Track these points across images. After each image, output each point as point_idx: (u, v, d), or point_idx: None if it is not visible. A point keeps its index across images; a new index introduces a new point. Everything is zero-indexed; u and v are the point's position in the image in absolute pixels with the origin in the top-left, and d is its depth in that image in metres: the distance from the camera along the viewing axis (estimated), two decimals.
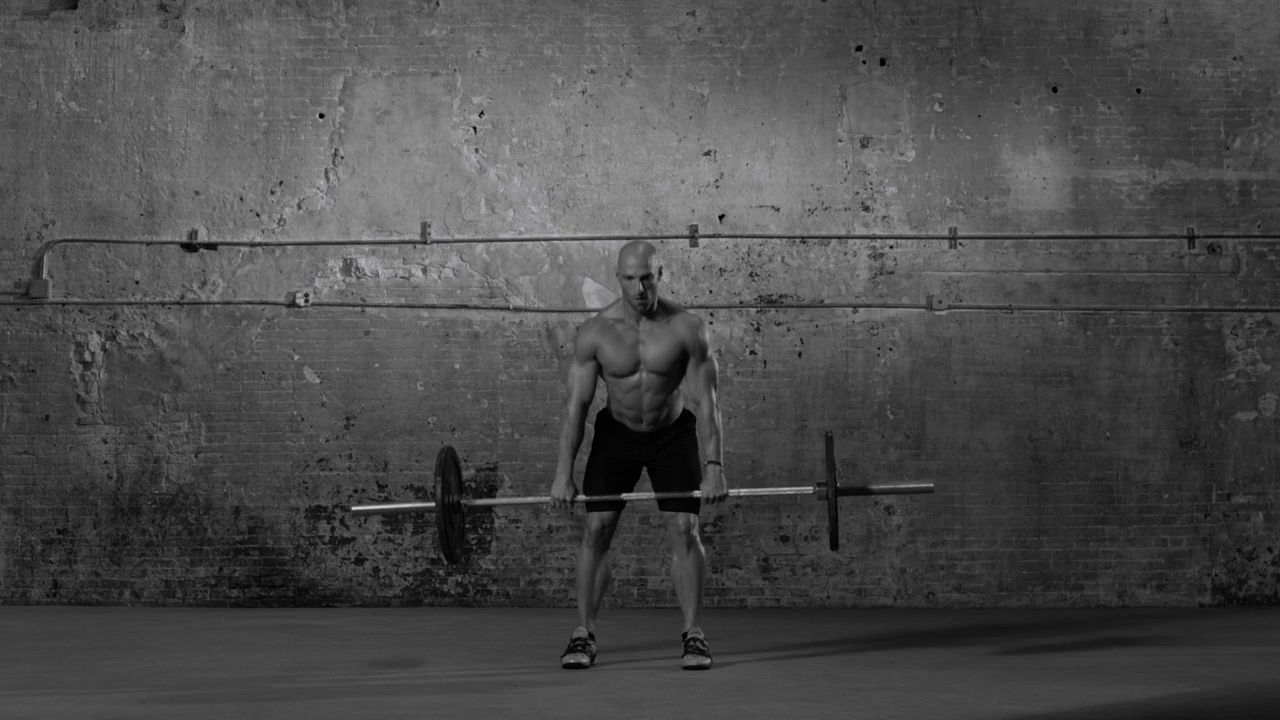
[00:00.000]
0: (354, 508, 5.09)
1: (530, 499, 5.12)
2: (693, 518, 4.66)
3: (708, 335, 4.65)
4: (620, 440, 4.72)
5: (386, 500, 6.97)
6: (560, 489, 4.63)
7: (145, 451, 7.03)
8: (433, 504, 4.62)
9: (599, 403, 4.81)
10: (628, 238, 7.09)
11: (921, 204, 7.17)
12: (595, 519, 4.67)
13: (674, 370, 4.63)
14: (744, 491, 4.99)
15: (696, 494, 4.60)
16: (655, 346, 4.60)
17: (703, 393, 4.61)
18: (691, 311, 4.82)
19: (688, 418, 4.73)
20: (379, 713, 3.59)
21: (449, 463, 4.70)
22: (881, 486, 5.05)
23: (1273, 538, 7.05)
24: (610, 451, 4.73)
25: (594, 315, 4.96)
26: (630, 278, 4.56)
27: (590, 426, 4.78)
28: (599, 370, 4.68)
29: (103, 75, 7.19)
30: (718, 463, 4.57)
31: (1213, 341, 7.13)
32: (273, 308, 7.10)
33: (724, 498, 4.59)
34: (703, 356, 4.62)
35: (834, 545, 4.65)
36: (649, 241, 5.03)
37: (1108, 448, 7.08)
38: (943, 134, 7.19)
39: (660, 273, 4.61)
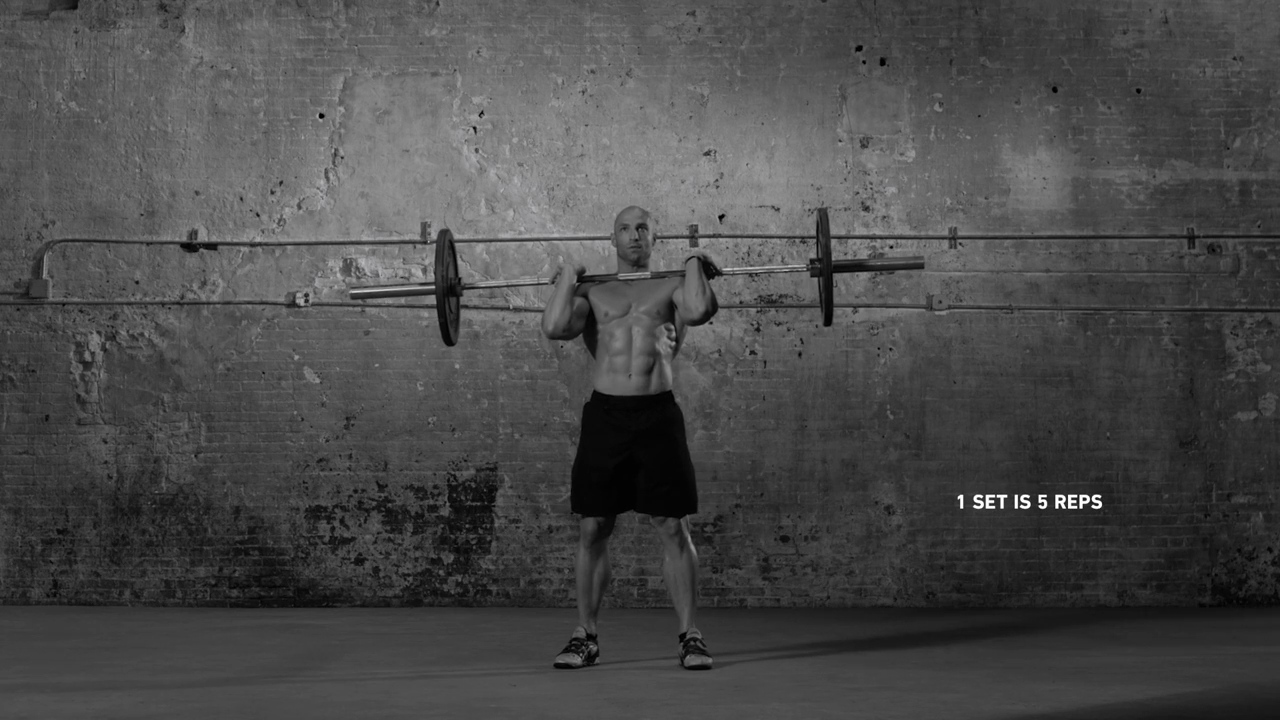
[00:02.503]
0: (353, 291, 5.34)
1: (529, 281, 5.31)
2: (684, 520, 4.66)
3: None
4: (608, 430, 4.66)
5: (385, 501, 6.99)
6: (567, 265, 4.73)
7: (145, 451, 7.03)
8: (434, 286, 4.81)
9: (585, 395, 4.83)
10: None
11: (921, 204, 7.17)
12: (591, 520, 4.65)
13: (664, 313, 4.70)
14: (738, 270, 5.30)
15: (693, 253, 4.72)
16: (646, 294, 4.73)
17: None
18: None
19: (674, 403, 4.75)
20: (379, 713, 3.59)
21: (448, 248, 4.85)
22: (872, 262, 5.21)
23: (1273, 538, 7.05)
24: (600, 447, 4.67)
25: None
26: (625, 227, 4.78)
27: (576, 422, 4.83)
28: (587, 314, 4.74)
29: (103, 75, 7.19)
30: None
31: (1213, 341, 7.13)
32: (273, 308, 7.11)
33: (718, 271, 4.71)
34: None
35: (828, 321, 4.77)
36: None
37: (1108, 448, 7.08)
38: (943, 134, 7.19)
39: (654, 238, 4.88)
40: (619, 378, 4.67)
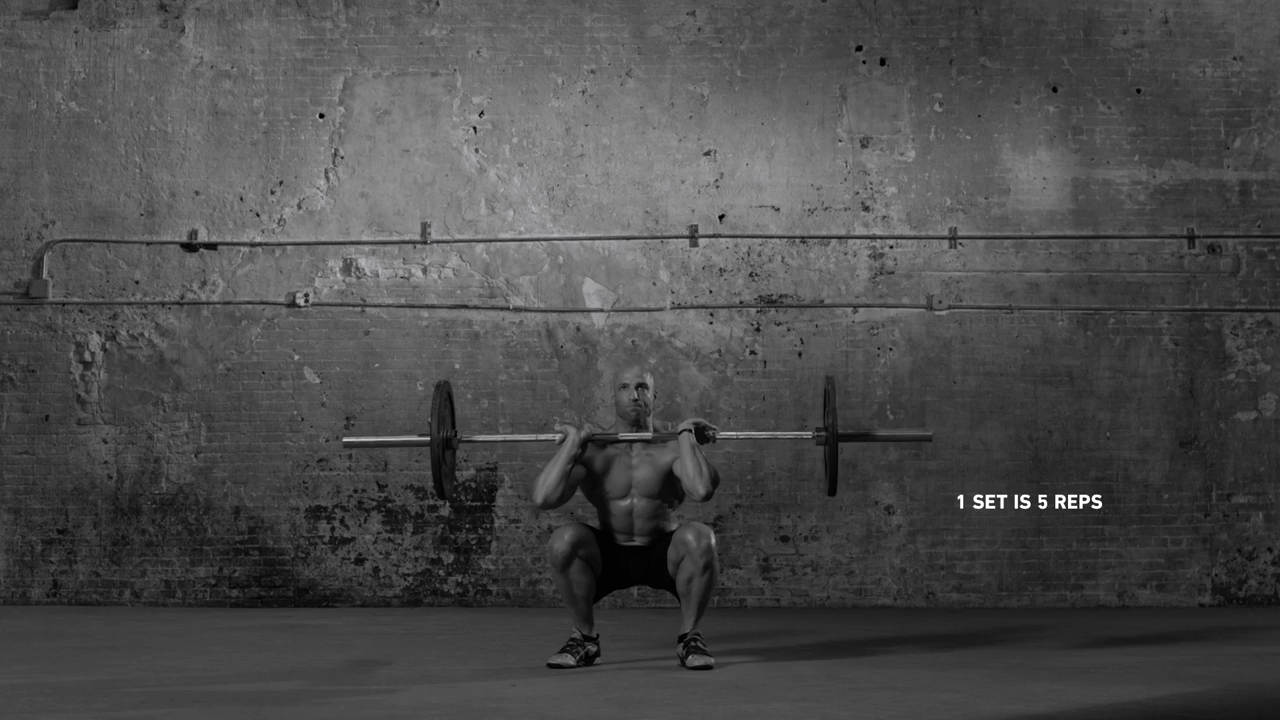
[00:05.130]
0: (346, 439, 5.13)
1: (528, 437, 5.14)
2: (713, 540, 4.53)
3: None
4: (616, 546, 4.64)
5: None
6: (572, 430, 4.55)
7: (145, 451, 7.03)
8: (428, 439, 4.55)
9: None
10: (628, 238, 7.10)
11: (921, 204, 7.17)
12: (559, 541, 4.49)
13: (665, 492, 4.60)
14: (741, 434, 5.24)
15: (684, 426, 4.56)
16: (645, 469, 4.59)
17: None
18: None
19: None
20: (379, 712, 3.59)
21: (445, 400, 4.63)
22: (881, 433, 5.17)
23: (1273, 538, 7.05)
24: (607, 542, 4.63)
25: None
26: (625, 386, 4.63)
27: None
28: (582, 479, 4.62)
29: (103, 75, 7.19)
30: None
31: (1213, 341, 7.13)
32: (273, 308, 7.10)
33: (712, 438, 4.59)
34: None
35: (832, 491, 4.68)
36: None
37: (1108, 448, 7.08)
38: (943, 134, 7.19)
39: (655, 395, 4.70)
40: (621, 539, 4.63)
